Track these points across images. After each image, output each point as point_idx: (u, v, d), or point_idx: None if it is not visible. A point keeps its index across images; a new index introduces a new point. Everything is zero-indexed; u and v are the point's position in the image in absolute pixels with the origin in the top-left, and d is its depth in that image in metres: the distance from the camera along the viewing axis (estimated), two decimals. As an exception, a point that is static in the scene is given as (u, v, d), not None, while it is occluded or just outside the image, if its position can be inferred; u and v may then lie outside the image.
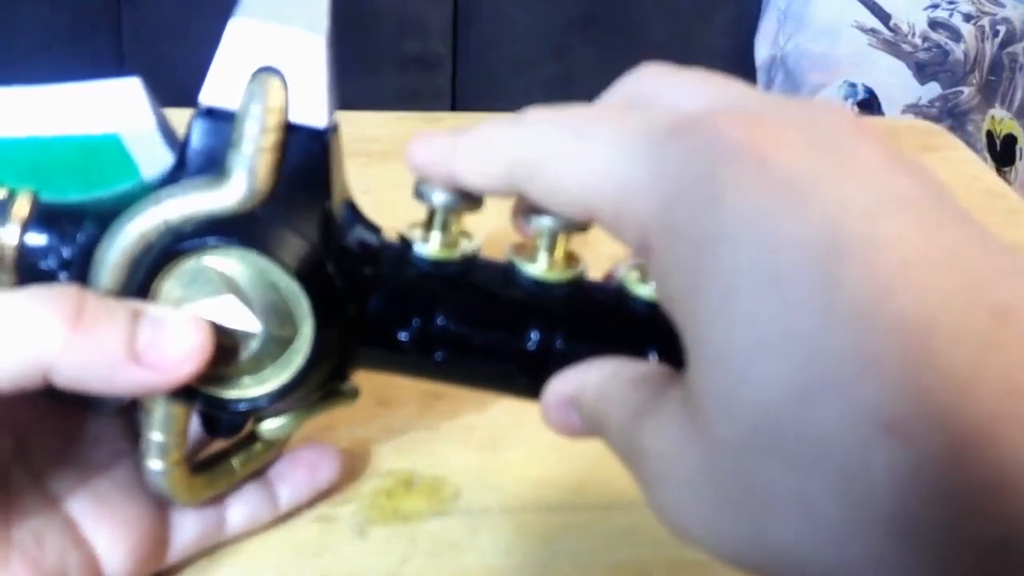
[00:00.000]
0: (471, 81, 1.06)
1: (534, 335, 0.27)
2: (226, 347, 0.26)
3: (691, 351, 0.20)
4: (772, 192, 0.19)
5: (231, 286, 0.25)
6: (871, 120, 0.23)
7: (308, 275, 0.26)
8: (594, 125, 0.22)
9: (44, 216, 0.26)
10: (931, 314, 0.17)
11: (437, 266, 0.27)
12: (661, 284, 0.21)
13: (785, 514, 0.18)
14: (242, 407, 0.27)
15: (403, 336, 0.27)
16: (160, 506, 0.30)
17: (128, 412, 0.31)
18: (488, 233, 0.29)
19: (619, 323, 0.27)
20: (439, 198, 0.26)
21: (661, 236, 0.21)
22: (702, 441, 0.20)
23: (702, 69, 0.24)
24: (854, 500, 0.17)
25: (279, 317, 0.26)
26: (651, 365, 0.25)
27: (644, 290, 0.27)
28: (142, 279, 0.25)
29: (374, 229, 0.29)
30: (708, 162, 0.20)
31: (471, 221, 0.27)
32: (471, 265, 0.28)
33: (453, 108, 1.05)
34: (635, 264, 0.27)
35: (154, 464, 0.29)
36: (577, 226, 0.26)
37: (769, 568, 0.19)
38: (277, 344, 0.26)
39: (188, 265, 0.25)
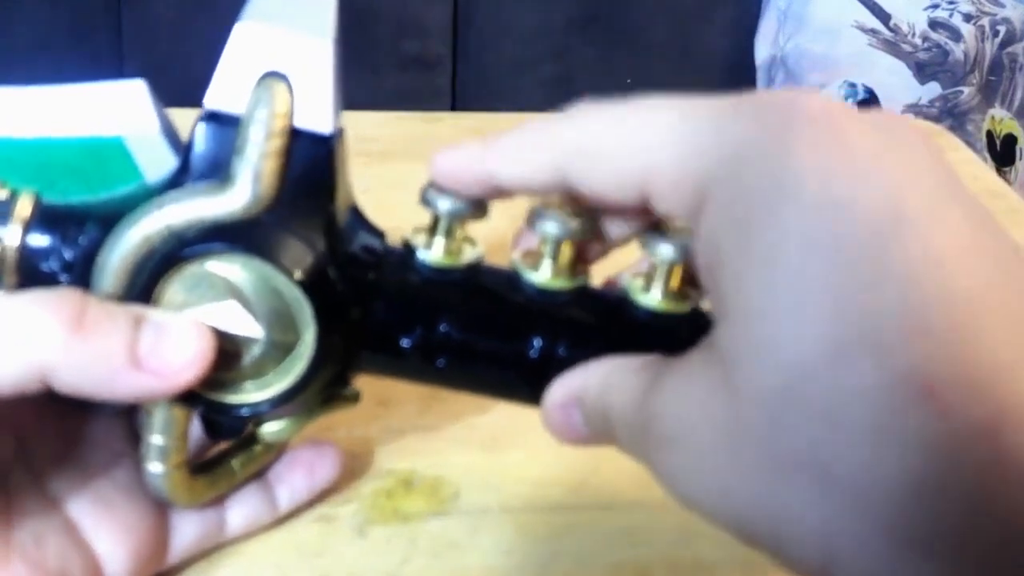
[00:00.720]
0: (471, 81, 1.06)
1: (536, 343, 0.27)
2: (228, 352, 0.26)
3: (729, 308, 0.20)
4: (843, 158, 0.19)
5: (234, 292, 0.25)
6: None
7: (311, 281, 0.25)
8: (650, 107, 0.22)
9: (46, 217, 0.26)
10: (982, 292, 0.17)
11: (440, 273, 0.27)
12: (708, 243, 0.21)
13: (800, 477, 0.18)
14: (244, 412, 0.27)
15: (406, 342, 0.27)
16: (160, 508, 0.30)
17: (130, 414, 0.31)
18: (492, 240, 0.29)
19: (622, 332, 0.27)
20: (444, 205, 0.26)
21: (723, 189, 0.21)
22: (729, 397, 0.19)
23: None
24: (876, 463, 0.17)
25: (282, 323, 0.26)
26: (651, 356, 0.25)
27: (647, 298, 0.27)
28: (145, 284, 0.25)
29: (378, 234, 0.29)
30: (785, 120, 0.20)
31: (475, 226, 0.27)
32: (474, 272, 0.28)
33: (453, 108, 1.04)
34: (639, 272, 0.27)
35: (154, 467, 0.29)
36: (583, 232, 0.26)
37: (768, 539, 0.19)
38: (279, 350, 0.26)
39: (191, 270, 0.25)
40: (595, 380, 0.25)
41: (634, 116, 0.22)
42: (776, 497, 0.18)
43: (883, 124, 0.21)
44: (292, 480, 0.33)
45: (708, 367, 0.20)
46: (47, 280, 0.26)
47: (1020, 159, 1.05)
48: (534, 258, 0.27)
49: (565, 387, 0.26)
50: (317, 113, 0.26)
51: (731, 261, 0.20)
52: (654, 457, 0.22)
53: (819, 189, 0.19)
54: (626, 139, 0.22)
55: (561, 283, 0.27)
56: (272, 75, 0.26)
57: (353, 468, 0.35)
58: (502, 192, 0.26)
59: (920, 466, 0.17)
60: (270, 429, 0.29)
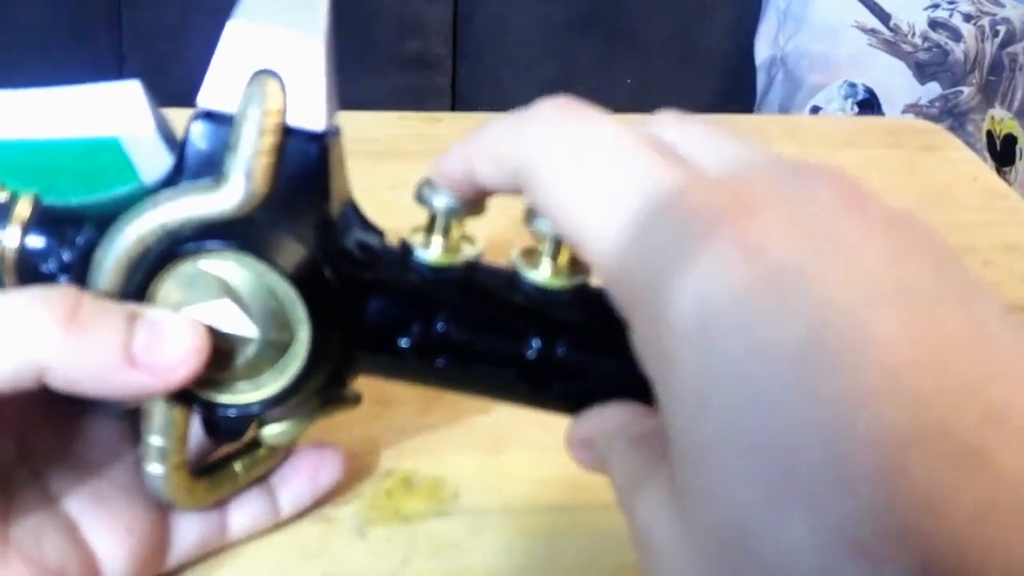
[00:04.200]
0: (471, 81, 1.06)
1: (535, 343, 0.27)
2: (223, 351, 0.26)
3: (673, 442, 0.19)
4: (755, 288, 0.18)
5: (228, 290, 0.25)
6: (868, 193, 0.22)
7: (305, 280, 0.25)
8: (597, 159, 0.21)
9: (45, 219, 0.26)
10: (912, 426, 0.16)
11: (438, 272, 0.27)
12: (640, 359, 0.20)
13: None
14: (239, 412, 0.27)
15: (403, 342, 0.27)
16: (162, 509, 0.30)
17: (133, 414, 0.31)
18: (491, 237, 0.29)
19: (622, 331, 0.27)
20: (440, 202, 0.26)
21: (639, 318, 0.20)
22: (686, 532, 0.19)
23: (715, 125, 0.24)
24: None
25: (276, 322, 0.26)
26: (655, 419, 0.25)
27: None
28: (140, 282, 0.25)
29: (377, 232, 0.29)
30: (693, 249, 0.19)
31: (474, 225, 0.27)
32: (473, 271, 0.27)
33: (453, 108, 1.04)
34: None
35: (153, 468, 0.29)
36: None
37: None
38: (274, 349, 0.26)
39: (185, 268, 0.25)
40: (602, 434, 0.25)
41: (576, 166, 0.21)
42: None
43: (811, 214, 0.19)
44: (295, 484, 0.33)
45: (672, 492, 0.20)
46: (46, 281, 0.26)
47: (1020, 159, 1.05)
48: (533, 257, 0.27)
49: (579, 430, 0.26)
50: (310, 110, 0.26)
51: (663, 392, 0.19)
52: (633, 543, 0.21)
53: (733, 330, 0.18)
54: (563, 192, 0.21)
55: (560, 282, 0.27)
56: (264, 73, 0.26)
57: (353, 468, 0.35)
58: (489, 192, 0.25)
59: None
60: (271, 431, 0.29)
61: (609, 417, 0.25)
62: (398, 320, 0.27)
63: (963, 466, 0.16)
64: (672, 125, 0.24)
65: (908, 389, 0.17)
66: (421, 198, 0.26)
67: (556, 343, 0.27)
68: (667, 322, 0.19)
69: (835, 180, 0.20)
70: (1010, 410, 0.17)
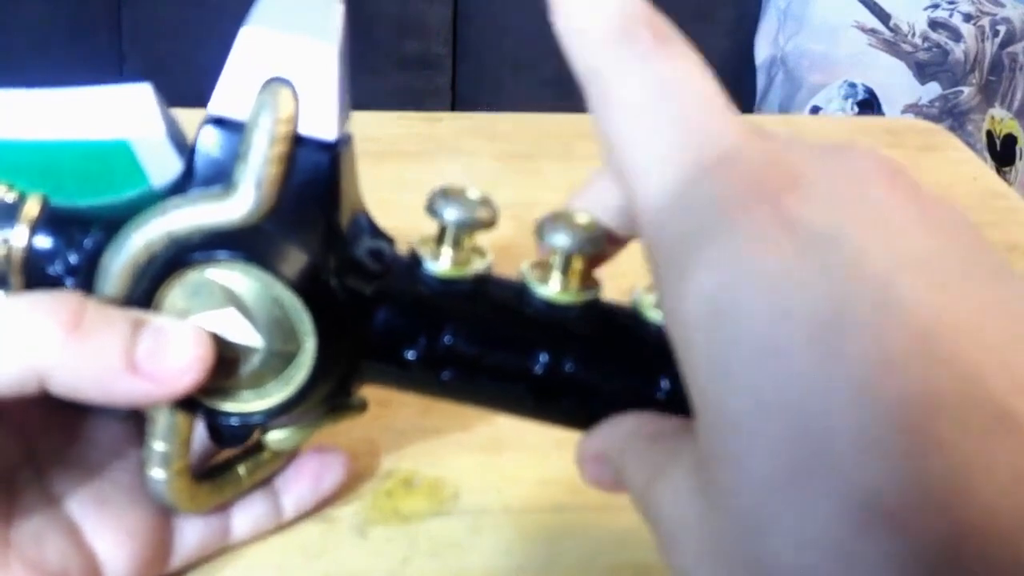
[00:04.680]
0: (471, 81, 1.06)
1: (543, 358, 0.26)
2: (228, 360, 0.26)
3: (697, 409, 0.19)
4: (786, 252, 0.18)
5: (234, 300, 0.25)
6: (906, 172, 0.22)
7: (311, 291, 0.25)
8: (667, 103, 0.21)
9: (53, 220, 0.26)
10: (939, 392, 0.16)
11: (446, 284, 0.27)
12: (666, 324, 0.20)
13: None
14: (243, 420, 0.27)
15: (410, 354, 0.27)
16: (164, 512, 0.30)
17: (137, 416, 0.30)
18: (501, 243, 0.28)
19: (631, 348, 0.26)
20: (451, 215, 0.26)
21: (668, 279, 0.20)
22: (712, 511, 0.19)
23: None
24: None
25: (282, 332, 0.26)
26: (670, 420, 0.24)
27: (657, 314, 0.26)
28: (146, 289, 0.25)
29: (388, 240, 0.28)
30: (731, 217, 0.19)
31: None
32: (482, 284, 0.27)
33: (453, 108, 1.05)
34: (651, 286, 0.26)
35: (156, 473, 0.29)
36: (594, 245, 0.25)
37: None
38: (280, 359, 0.26)
39: (192, 277, 0.25)
40: (616, 441, 0.25)
41: (638, 117, 0.21)
42: None
43: (844, 180, 0.19)
44: (298, 488, 0.33)
45: (696, 471, 0.20)
46: (52, 282, 0.26)
47: (1020, 159, 1.06)
48: (544, 270, 0.27)
49: (593, 443, 0.26)
50: (322, 119, 0.26)
51: (689, 364, 0.19)
52: (660, 550, 0.21)
53: (762, 296, 0.18)
54: (625, 147, 0.21)
55: (570, 297, 0.26)
56: (277, 81, 0.25)
57: (354, 469, 0.35)
58: None
59: None
60: (276, 437, 0.29)
61: (622, 423, 0.25)
62: (405, 332, 0.27)
63: (995, 433, 0.16)
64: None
65: (938, 352, 0.16)
66: (432, 209, 0.26)
67: (564, 358, 0.26)
68: (696, 286, 0.19)
69: (876, 157, 0.20)
70: None
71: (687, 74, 0.21)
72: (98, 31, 0.99)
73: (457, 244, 0.26)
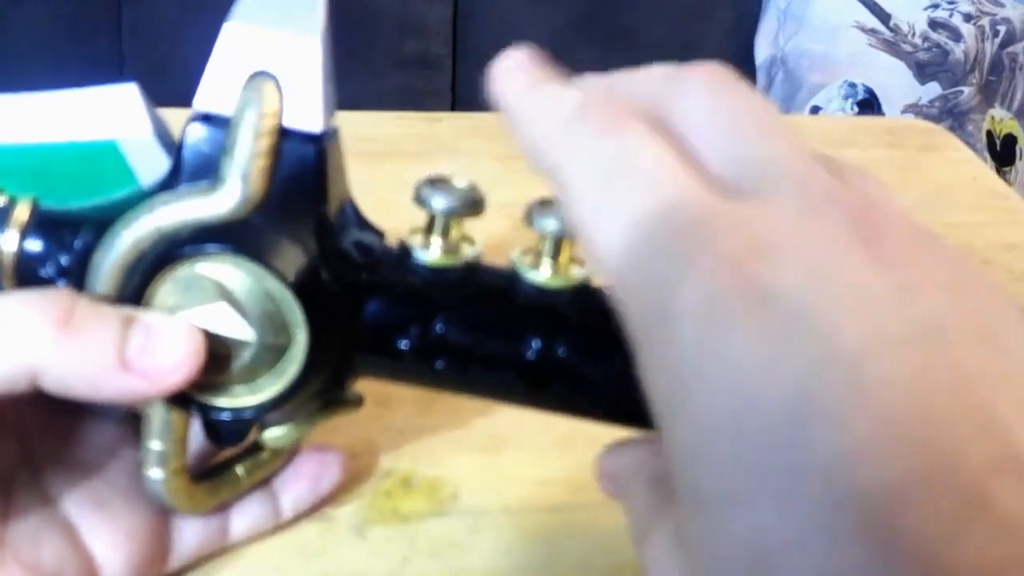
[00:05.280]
0: (471, 81, 1.06)
1: (535, 343, 0.27)
2: (220, 355, 0.26)
3: (674, 479, 0.19)
4: (757, 330, 0.17)
5: (224, 294, 0.25)
6: (892, 220, 0.19)
7: (302, 283, 0.25)
8: (620, 173, 0.20)
9: (43, 223, 0.26)
10: (907, 482, 0.16)
11: (437, 273, 0.27)
12: (645, 384, 0.20)
13: None
14: (237, 416, 0.27)
15: (402, 344, 0.27)
16: (162, 513, 0.30)
17: (134, 416, 0.30)
18: (490, 237, 0.29)
19: (622, 332, 0.27)
20: (438, 203, 0.26)
21: (643, 350, 0.19)
22: None
23: (748, 103, 0.22)
24: None
25: (273, 325, 0.26)
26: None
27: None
28: (137, 285, 0.25)
29: (376, 232, 0.28)
30: (695, 286, 0.18)
31: (473, 225, 0.27)
32: (472, 272, 0.27)
33: (453, 108, 1.05)
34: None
35: (154, 473, 0.28)
36: None
37: None
38: (272, 352, 0.26)
39: (182, 272, 0.25)
40: (623, 472, 0.25)
41: (599, 190, 0.20)
42: None
43: (825, 240, 0.18)
44: (297, 489, 0.33)
45: (676, 539, 0.20)
46: (44, 285, 0.26)
47: (1020, 159, 1.05)
48: (533, 256, 0.27)
49: (607, 464, 0.26)
50: (307, 112, 0.26)
51: (665, 435, 0.19)
52: None
53: (730, 377, 0.17)
54: (586, 210, 0.20)
55: (560, 282, 0.26)
56: (261, 75, 0.25)
57: (353, 468, 0.35)
58: None
59: None
60: (273, 435, 0.29)
61: (629, 453, 0.25)
62: (397, 322, 0.27)
63: (965, 521, 0.15)
64: (700, 105, 0.22)
65: (908, 438, 0.16)
66: (420, 199, 0.26)
67: (556, 343, 0.27)
68: (666, 362, 0.18)
69: (858, 208, 0.19)
70: (1006, 470, 0.16)
71: (640, 145, 0.21)
72: (98, 31, 0.98)
73: (446, 233, 0.27)
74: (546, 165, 0.22)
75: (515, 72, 0.23)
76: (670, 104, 0.22)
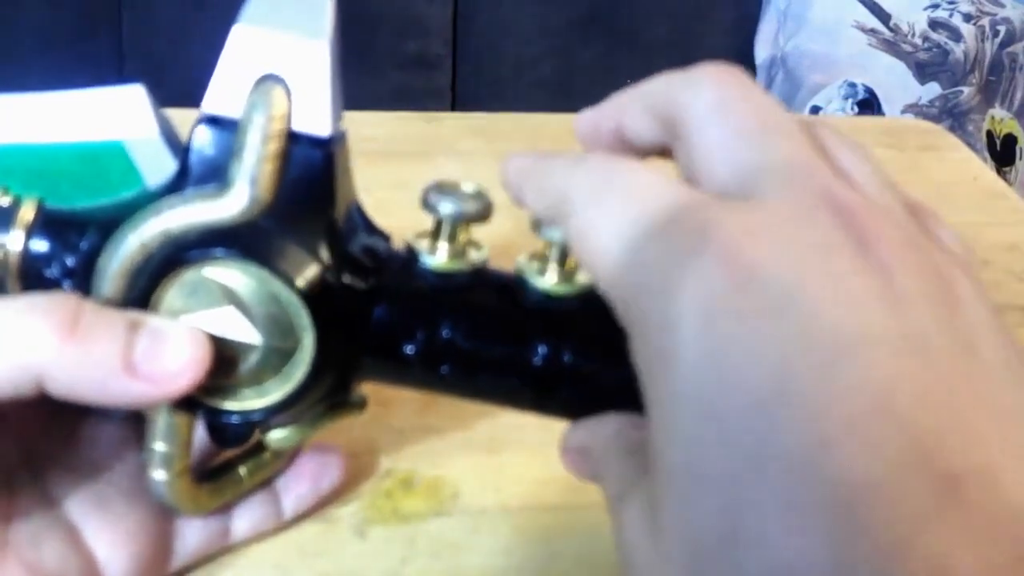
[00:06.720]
0: (471, 81, 1.06)
1: (541, 349, 0.26)
2: (227, 358, 0.26)
3: (649, 454, 0.20)
4: (739, 315, 0.18)
5: (232, 298, 0.25)
6: (887, 230, 0.20)
7: (309, 287, 0.25)
8: (610, 190, 0.21)
9: (48, 223, 0.26)
10: (875, 474, 0.16)
11: (443, 278, 0.27)
12: (633, 361, 0.21)
13: None
14: (243, 419, 0.27)
15: (408, 349, 0.27)
16: (164, 514, 0.30)
17: (137, 417, 0.30)
18: (497, 241, 0.28)
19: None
20: (446, 208, 0.26)
21: (632, 332, 0.20)
22: (657, 554, 0.19)
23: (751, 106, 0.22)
24: None
25: (280, 329, 0.26)
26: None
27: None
28: (143, 289, 0.25)
29: (382, 236, 0.28)
30: (684, 271, 0.19)
31: (480, 230, 0.27)
32: (479, 277, 0.27)
33: (453, 108, 1.05)
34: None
35: (158, 474, 0.28)
36: None
37: None
38: (278, 356, 0.26)
39: (189, 276, 0.25)
40: (599, 442, 0.25)
41: (594, 204, 0.22)
42: None
43: (823, 231, 0.19)
44: (299, 488, 0.33)
45: (649, 507, 0.20)
46: (50, 286, 0.26)
47: (1020, 159, 1.06)
48: (540, 262, 0.27)
49: (575, 438, 0.26)
50: (315, 115, 0.26)
51: (648, 412, 0.20)
52: (616, 552, 0.22)
53: (708, 360, 0.18)
54: (585, 226, 0.22)
55: (567, 288, 0.26)
56: (269, 78, 0.25)
57: (353, 468, 0.35)
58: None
59: None
60: (276, 436, 0.29)
61: (607, 424, 0.25)
62: (403, 327, 0.27)
63: (918, 523, 0.16)
64: (709, 103, 0.22)
65: (881, 431, 0.16)
66: (428, 204, 0.26)
67: (563, 350, 0.26)
68: (654, 345, 0.19)
69: (855, 210, 0.19)
70: (967, 472, 0.16)
71: (634, 167, 0.22)
72: (98, 31, 0.99)
73: (453, 238, 0.27)
74: (550, 202, 0.23)
75: (520, 157, 0.25)
76: (681, 102, 0.23)
